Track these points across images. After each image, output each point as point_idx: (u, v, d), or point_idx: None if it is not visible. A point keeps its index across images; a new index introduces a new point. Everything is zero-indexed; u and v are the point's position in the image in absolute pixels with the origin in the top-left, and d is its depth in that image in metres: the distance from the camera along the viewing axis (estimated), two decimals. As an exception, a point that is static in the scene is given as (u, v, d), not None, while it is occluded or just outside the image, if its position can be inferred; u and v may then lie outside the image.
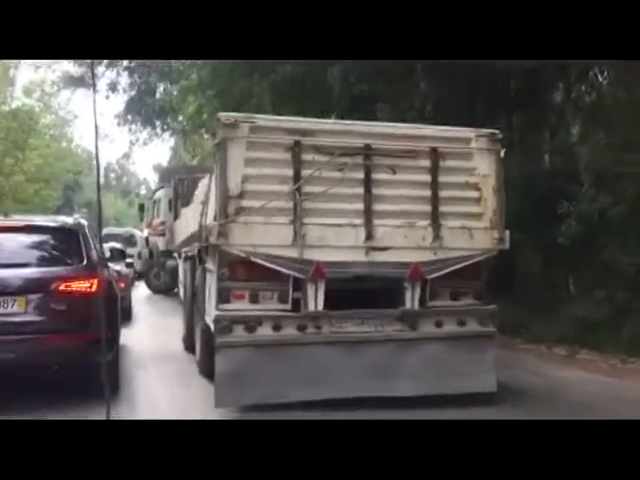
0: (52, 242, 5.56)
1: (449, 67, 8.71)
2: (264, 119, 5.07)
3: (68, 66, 21.32)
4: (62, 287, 5.07)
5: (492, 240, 5.42)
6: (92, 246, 5.78)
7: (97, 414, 4.85)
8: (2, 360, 4.92)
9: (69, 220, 6.33)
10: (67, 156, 28.28)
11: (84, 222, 6.27)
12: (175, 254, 13.34)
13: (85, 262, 5.38)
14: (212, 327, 5.39)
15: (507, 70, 9.38)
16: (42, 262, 5.38)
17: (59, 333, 5.02)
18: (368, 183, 5.21)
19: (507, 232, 5.43)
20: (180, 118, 19.58)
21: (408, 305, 5.34)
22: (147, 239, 18.34)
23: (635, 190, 7.81)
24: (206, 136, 21.55)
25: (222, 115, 4.99)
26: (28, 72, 25.12)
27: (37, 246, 5.47)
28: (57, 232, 5.62)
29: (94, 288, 5.20)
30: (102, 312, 5.24)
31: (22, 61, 22.79)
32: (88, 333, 5.05)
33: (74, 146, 30.06)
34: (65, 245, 5.52)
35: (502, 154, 5.40)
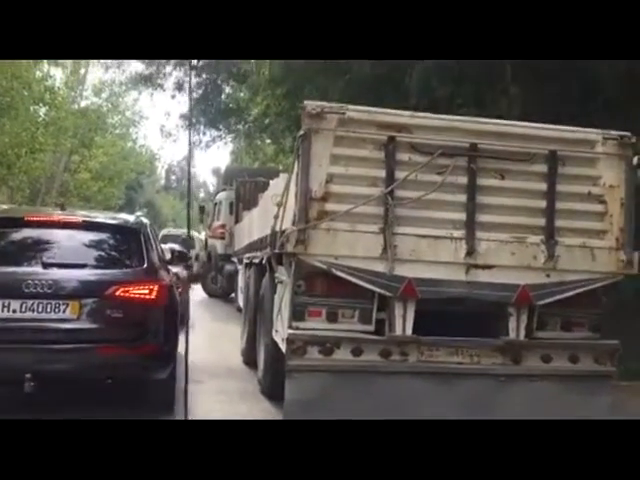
0: (111, 241, 5.04)
1: (541, 70, 7.91)
2: (355, 110, 4.38)
3: (137, 66, 21.39)
4: (119, 292, 4.52)
5: (617, 263, 4.56)
6: (154, 247, 5.25)
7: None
8: (51, 370, 4.41)
9: (130, 218, 5.82)
10: (131, 156, 28.56)
11: (146, 221, 5.75)
12: (234, 258, 12.96)
13: (145, 265, 4.83)
14: (282, 346, 4.75)
15: (602, 74, 8.49)
16: (99, 263, 4.86)
17: (114, 343, 4.49)
18: (472, 189, 4.45)
19: (637, 254, 4.57)
20: (244, 119, 19.22)
21: (512, 335, 4.55)
22: (206, 241, 18.13)
23: None
24: (268, 141, 21.23)
25: (308, 103, 4.34)
26: (98, 72, 25.49)
27: (94, 245, 4.95)
28: (117, 231, 5.09)
29: (154, 295, 4.65)
30: (161, 322, 4.74)
31: (93, 61, 23.14)
32: (146, 345, 4.51)
33: (138, 146, 30.32)
34: (125, 245, 4.99)
35: (635, 161, 4.55)
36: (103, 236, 5.05)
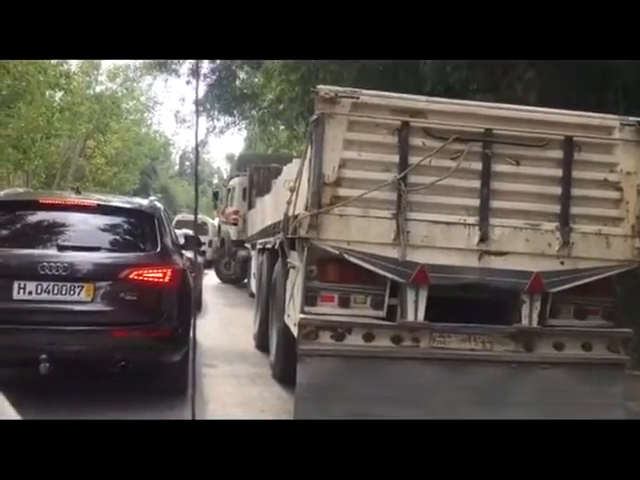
0: (125, 225, 5.07)
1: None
2: (369, 95, 4.35)
3: (151, 51, 21.32)
4: (133, 275, 4.56)
5: (633, 250, 4.51)
6: (167, 232, 5.28)
7: (157, 415, 4.37)
8: (65, 351, 4.47)
9: (144, 202, 5.85)
10: (145, 141, 28.67)
11: (160, 205, 5.78)
12: (247, 244, 12.99)
13: (159, 249, 4.86)
14: (293, 330, 4.77)
15: (619, 62, 8.34)
16: (113, 246, 4.90)
17: (127, 326, 4.53)
18: (486, 175, 4.41)
19: (652, 241, 4.51)
20: (258, 105, 19.18)
21: (524, 322, 4.52)
22: (219, 227, 18.20)
23: None
24: (282, 127, 21.18)
25: (321, 88, 4.31)
26: (113, 57, 25.51)
27: (109, 228, 4.99)
28: (131, 214, 5.12)
29: (167, 278, 4.69)
30: (175, 306, 4.77)
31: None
32: (159, 329, 4.55)
33: (152, 132, 30.41)
34: (139, 229, 5.02)
35: (653, 148, 4.48)
36: (117, 220, 5.08)
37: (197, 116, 17.22)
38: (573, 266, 4.47)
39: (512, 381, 4.54)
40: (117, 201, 5.65)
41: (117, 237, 5.04)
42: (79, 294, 4.50)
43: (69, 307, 4.50)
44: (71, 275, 4.50)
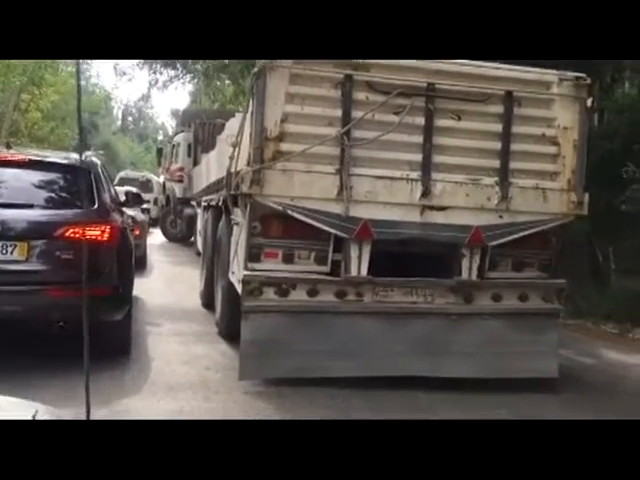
0: (60, 181, 4.86)
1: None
2: (311, 47, 4.25)
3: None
4: (69, 233, 4.39)
5: (568, 204, 4.65)
6: (105, 188, 5.10)
7: (97, 375, 4.31)
8: (0, 312, 4.32)
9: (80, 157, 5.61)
10: (84, 94, 27.42)
11: (97, 160, 5.57)
12: (193, 202, 12.78)
13: (97, 206, 4.70)
14: (238, 287, 4.74)
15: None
16: (48, 204, 4.69)
17: (64, 285, 4.38)
18: (429, 130, 4.43)
19: (586, 195, 4.65)
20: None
21: (465, 275, 4.64)
22: (164, 185, 17.81)
23: None
24: (227, 82, 20.64)
25: (263, 39, 4.19)
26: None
27: (42, 185, 4.77)
28: (66, 170, 4.90)
29: (106, 236, 4.54)
30: (114, 264, 4.66)
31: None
32: (98, 287, 4.41)
33: (91, 85, 29.14)
34: (75, 185, 4.82)
35: (589, 103, 4.57)
36: (52, 176, 4.86)
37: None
38: (511, 220, 4.59)
39: (452, 332, 4.68)
40: (51, 156, 5.40)
41: (52, 194, 4.83)
42: (12, 253, 4.32)
43: (2, 267, 4.32)
44: (3, 234, 4.32)
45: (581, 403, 4.61)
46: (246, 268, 4.43)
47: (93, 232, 4.50)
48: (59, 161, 5.06)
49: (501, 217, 4.57)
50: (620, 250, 10.62)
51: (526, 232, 4.61)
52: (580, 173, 4.62)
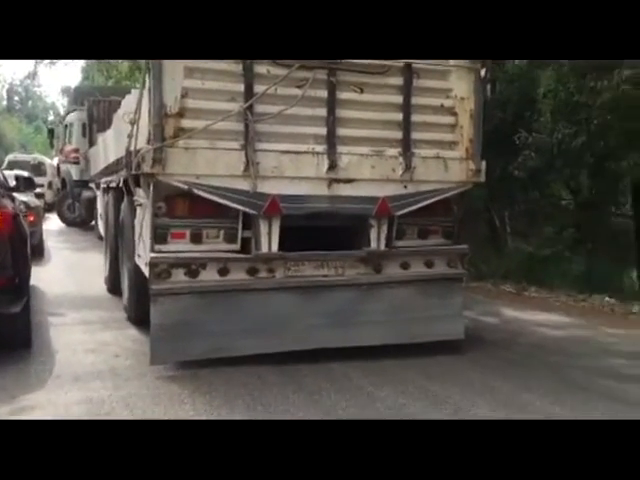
0: (-61, 167, 4.47)
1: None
2: (209, 19, 4.12)
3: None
4: (-46, 223, 4.07)
5: (467, 172, 4.82)
6: (-9, 173, 4.74)
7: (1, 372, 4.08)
8: None
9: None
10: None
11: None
12: (92, 184, 12.20)
13: (-17, 192, 4.37)
14: (145, 271, 4.59)
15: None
16: None
17: None
18: (332, 103, 4.43)
19: (484, 163, 4.85)
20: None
21: (373, 245, 4.73)
22: (58, 167, 16.91)
23: (599, 120, 7.39)
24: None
25: (157, 10, 4.00)
26: None
27: None
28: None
29: (-4, 224, 4.24)
30: (8, 253, 4.37)
31: None
32: (-10, 279, 4.15)
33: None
34: None
35: (483, 73, 4.74)
36: None
37: None
38: (415, 189, 4.71)
39: (363, 302, 4.77)
40: None
41: None
42: None
43: None
44: None
45: (485, 361, 4.87)
46: (153, 250, 4.29)
47: (-19, 221, 4.19)
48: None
49: (405, 187, 4.68)
50: (514, 214, 11.27)
51: (429, 201, 4.75)
52: (477, 142, 4.80)
